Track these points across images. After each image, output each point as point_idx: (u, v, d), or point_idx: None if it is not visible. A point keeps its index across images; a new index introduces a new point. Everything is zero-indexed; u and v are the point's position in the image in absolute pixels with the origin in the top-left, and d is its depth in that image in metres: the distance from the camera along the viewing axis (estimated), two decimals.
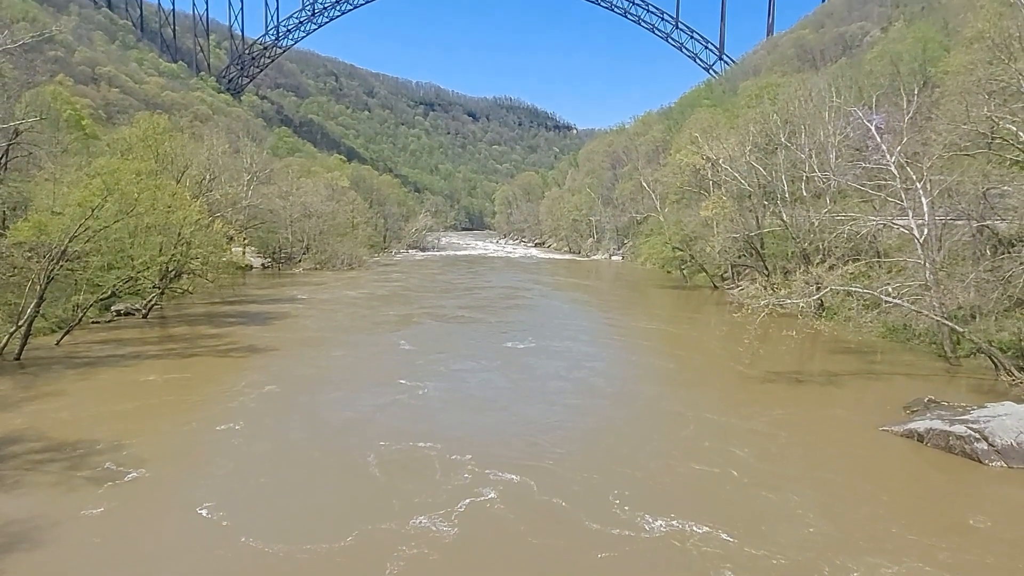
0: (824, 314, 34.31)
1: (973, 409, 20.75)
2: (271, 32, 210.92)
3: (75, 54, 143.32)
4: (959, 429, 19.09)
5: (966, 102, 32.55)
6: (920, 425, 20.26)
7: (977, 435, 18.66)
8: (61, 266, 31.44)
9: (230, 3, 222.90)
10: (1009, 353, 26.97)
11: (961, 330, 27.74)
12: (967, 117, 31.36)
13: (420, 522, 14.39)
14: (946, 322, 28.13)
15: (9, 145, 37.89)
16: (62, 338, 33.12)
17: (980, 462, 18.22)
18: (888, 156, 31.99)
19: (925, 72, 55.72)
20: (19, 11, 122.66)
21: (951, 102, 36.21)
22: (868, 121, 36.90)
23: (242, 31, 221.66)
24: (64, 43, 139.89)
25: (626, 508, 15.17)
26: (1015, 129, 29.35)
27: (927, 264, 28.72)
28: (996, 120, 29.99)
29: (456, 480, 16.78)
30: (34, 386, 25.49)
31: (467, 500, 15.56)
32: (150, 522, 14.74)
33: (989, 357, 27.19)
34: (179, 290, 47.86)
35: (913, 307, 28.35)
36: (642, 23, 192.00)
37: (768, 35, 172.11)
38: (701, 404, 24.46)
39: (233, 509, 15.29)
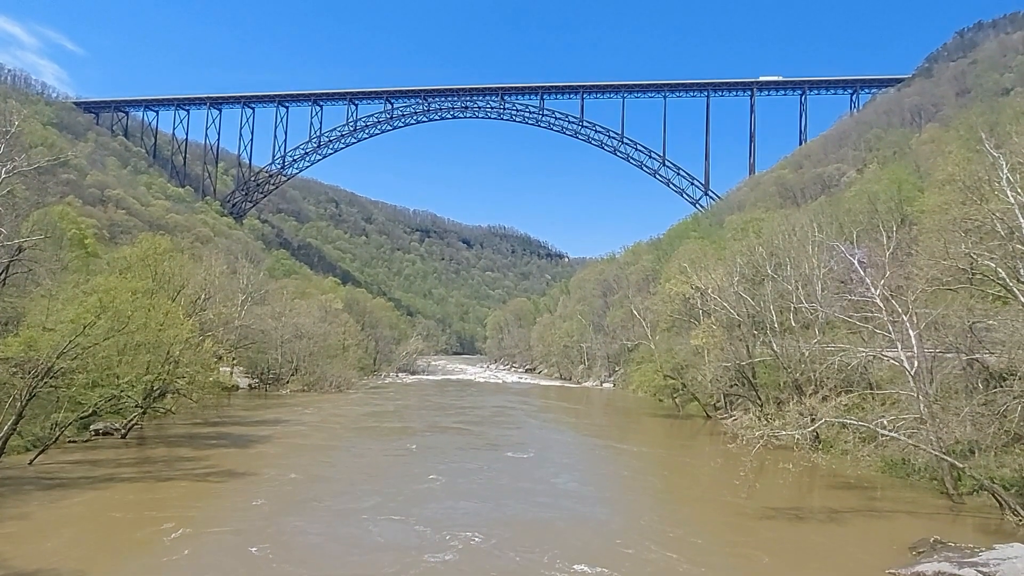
0: (820, 446, 33.68)
1: (981, 551, 19.94)
2: (277, 161, 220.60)
3: (87, 177, 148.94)
4: (969, 573, 18.25)
5: (944, 239, 33.57)
6: (928, 568, 19.36)
7: None
8: (45, 383, 30.87)
9: (241, 134, 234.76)
10: (1012, 491, 26.25)
11: (961, 465, 27.15)
12: (946, 254, 32.27)
13: (427, 557, 20.96)
14: (945, 457, 27.55)
15: (11, 261, 38.36)
16: (36, 457, 31.93)
17: None
18: (872, 289, 32.62)
19: (902, 210, 58.20)
20: (39, 137, 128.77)
21: (929, 239, 37.41)
22: (851, 255, 37.92)
23: (250, 159, 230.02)
24: (77, 167, 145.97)
25: (556, 564, 20.36)
26: (994, 266, 30.17)
27: (920, 397, 28.48)
28: (974, 257, 30.88)
29: (453, 535, 23.05)
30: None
31: (458, 543, 22.22)
32: None
33: (992, 495, 26.44)
34: (162, 410, 46.77)
35: (910, 441, 27.83)
36: (631, 160, 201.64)
37: (750, 174, 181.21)
38: (679, 519, 24.95)
39: None
